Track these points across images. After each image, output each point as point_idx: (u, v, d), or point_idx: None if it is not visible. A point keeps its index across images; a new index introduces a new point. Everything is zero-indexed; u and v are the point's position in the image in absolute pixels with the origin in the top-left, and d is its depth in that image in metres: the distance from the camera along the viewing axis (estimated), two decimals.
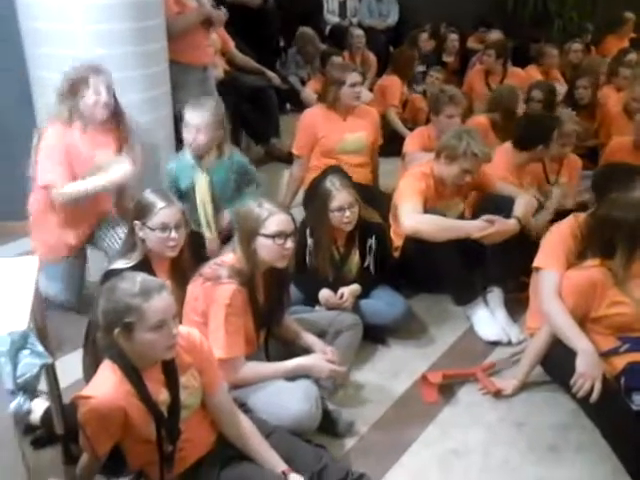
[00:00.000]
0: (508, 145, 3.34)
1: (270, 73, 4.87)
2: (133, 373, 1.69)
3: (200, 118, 2.79)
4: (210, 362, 1.87)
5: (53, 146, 2.57)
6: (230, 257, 2.18)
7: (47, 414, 2.07)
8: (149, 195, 2.31)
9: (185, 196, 2.84)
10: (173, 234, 2.26)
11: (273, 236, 2.11)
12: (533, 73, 5.25)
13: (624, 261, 2.20)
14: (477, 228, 2.81)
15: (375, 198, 3.29)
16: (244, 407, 2.02)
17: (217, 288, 2.09)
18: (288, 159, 3.65)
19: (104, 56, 2.71)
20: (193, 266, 2.34)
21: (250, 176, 3.06)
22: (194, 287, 2.17)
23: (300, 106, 4.97)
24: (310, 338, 2.38)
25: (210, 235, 2.87)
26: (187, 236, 2.34)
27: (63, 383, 2.16)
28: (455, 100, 3.54)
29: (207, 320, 2.13)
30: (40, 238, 2.77)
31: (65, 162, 2.57)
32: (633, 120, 3.83)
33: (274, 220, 2.12)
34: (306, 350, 2.34)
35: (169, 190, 2.77)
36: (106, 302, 1.66)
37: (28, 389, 1.54)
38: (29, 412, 1.45)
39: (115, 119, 2.69)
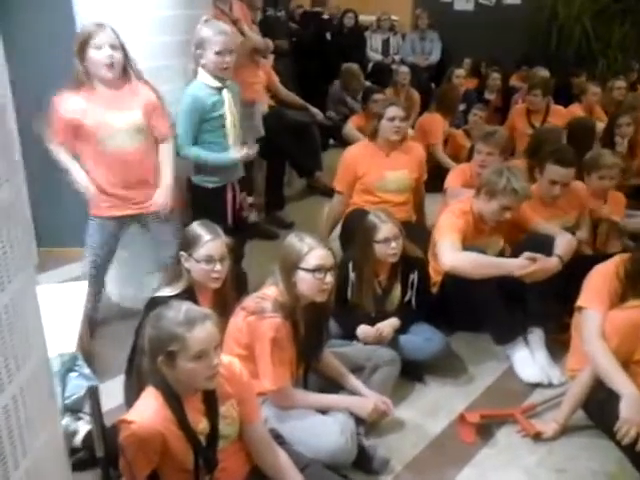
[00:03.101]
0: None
1: (314, 109, 4.97)
2: (175, 401, 1.72)
3: (229, 40, 2.81)
4: (249, 393, 1.90)
5: (60, 108, 2.59)
6: (272, 290, 2.22)
7: (89, 437, 2.12)
8: (196, 227, 2.38)
9: (208, 121, 2.86)
10: (218, 267, 2.32)
11: (313, 270, 2.14)
12: (576, 111, 5.22)
13: None
14: (518, 266, 2.79)
15: (417, 235, 3.29)
16: (280, 439, 2.03)
17: (262, 322, 2.13)
18: (330, 193, 3.69)
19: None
20: (235, 297, 2.40)
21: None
22: (237, 320, 2.21)
23: (343, 142, 5.07)
24: (355, 382, 2.38)
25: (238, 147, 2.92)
26: (230, 268, 2.39)
27: (106, 407, 2.21)
28: (486, 139, 3.54)
29: (250, 353, 2.17)
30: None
31: (63, 129, 2.60)
32: None
33: (314, 254, 2.15)
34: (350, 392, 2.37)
35: (193, 114, 2.81)
36: (152, 329, 1.71)
37: (75, 410, 1.58)
38: (75, 433, 1.48)
39: (130, 80, 2.64)
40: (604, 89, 5.51)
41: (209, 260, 2.30)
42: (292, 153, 4.45)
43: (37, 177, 3.55)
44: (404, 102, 5.82)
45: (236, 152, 2.91)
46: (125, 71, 2.63)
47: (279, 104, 4.68)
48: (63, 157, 2.68)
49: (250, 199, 3.76)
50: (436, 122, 5.14)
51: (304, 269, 2.15)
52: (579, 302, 2.42)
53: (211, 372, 1.70)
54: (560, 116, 5.05)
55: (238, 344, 2.19)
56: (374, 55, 7.21)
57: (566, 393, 2.43)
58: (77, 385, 1.58)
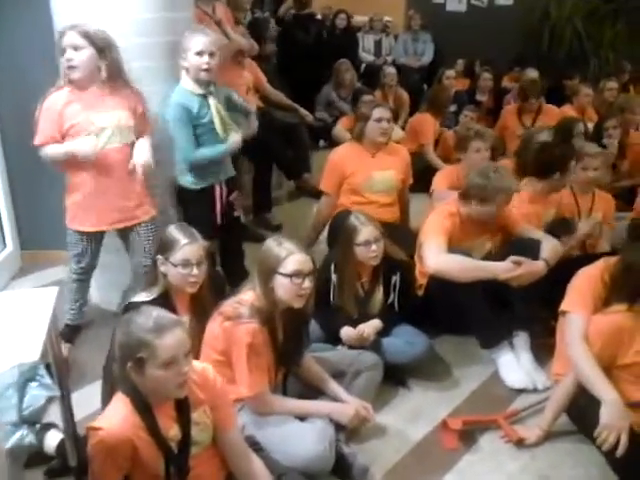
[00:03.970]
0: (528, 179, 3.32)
1: (303, 111, 4.93)
2: (144, 407, 1.68)
3: (211, 42, 2.78)
4: (223, 400, 1.86)
5: (44, 109, 2.54)
6: (249, 295, 2.18)
7: (62, 444, 2.09)
8: (173, 231, 2.34)
9: (199, 126, 2.85)
10: (195, 271, 2.28)
11: (290, 275, 2.10)
12: (568, 112, 5.18)
13: None
14: (503, 269, 2.76)
15: (402, 237, 3.27)
16: (257, 446, 2.00)
17: (238, 328, 2.09)
18: (319, 195, 3.67)
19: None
20: (213, 301, 2.36)
21: (235, 103, 3.13)
22: (213, 325, 2.17)
23: (333, 143, 5.03)
24: (336, 388, 2.35)
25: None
26: (207, 272, 2.36)
27: (83, 413, 2.18)
28: (481, 134, 3.55)
29: (227, 358, 2.14)
30: (65, 201, 2.74)
31: (54, 124, 2.54)
32: None
33: (292, 259, 2.12)
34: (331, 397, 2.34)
35: (186, 122, 2.80)
36: (122, 335, 1.68)
37: (33, 421, 1.54)
38: (31, 445, 1.44)
39: (112, 80, 2.58)
40: (596, 90, 5.49)
41: (186, 264, 2.27)
42: (280, 155, 4.40)
43: (19, 179, 3.52)
44: (393, 103, 5.85)
45: (234, 137, 2.93)
46: (101, 72, 2.56)
47: (267, 105, 4.65)
48: (52, 148, 2.58)
49: (240, 199, 3.73)
50: (427, 122, 5.11)
51: (282, 274, 2.12)
52: (563, 306, 2.39)
53: (181, 379, 1.66)
54: (552, 116, 5.02)
55: (215, 350, 2.15)
56: (366, 56, 7.17)
57: (550, 398, 2.40)
58: (36, 396, 1.54)
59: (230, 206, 3.10)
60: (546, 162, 3.24)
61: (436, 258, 2.79)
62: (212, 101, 2.85)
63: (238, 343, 2.08)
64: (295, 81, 5.72)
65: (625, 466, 2.04)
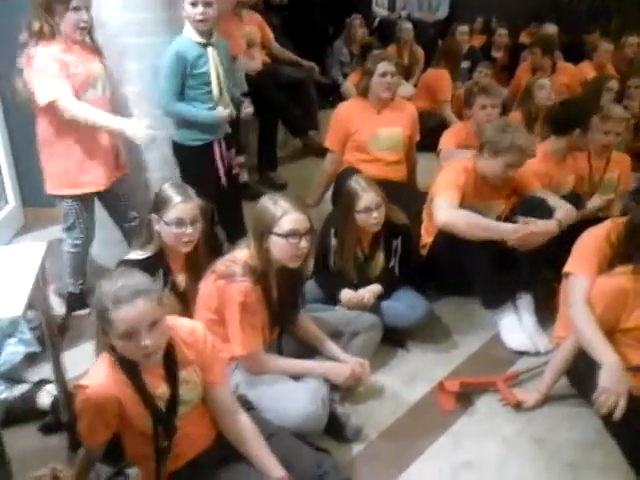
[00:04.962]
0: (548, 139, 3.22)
1: (307, 64, 4.80)
2: (129, 365, 1.66)
3: None
4: (213, 359, 1.83)
5: (47, 62, 2.45)
6: (244, 253, 2.14)
7: (56, 401, 2.10)
8: (167, 189, 2.30)
9: (192, 77, 2.76)
10: (189, 230, 2.24)
11: (286, 235, 2.05)
12: (585, 69, 5.00)
13: None
14: (514, 229, 2.68)
15: (409, 197, 3.21)
16: (248, 405, 1.98)
17: (231, 286, 2.06)
18: (325, 153, 3.59)
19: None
20: (208, 260, 2.32)
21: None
22: (207, 284, 2.14)
23: (341, 100, 4.92)
24: (333, 348, 2.32)
25: (224, 105, 2.85)
26: (202, 231, 2.32)
27: (78, 371, 2.18)
28: (486, 90, 3.41)
29: (220, 317, 2.11)
30: (50, 169, 2.68)
31: (62, 73, 2.46)
32: None
33: (288, 219, 2.06)
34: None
35: (176, 69, 2.71)
36: (94, 297, 1.64)
37: (10, 377, 1.53)
38: (6, 400, 1.42)
39: (91, 37, 2.61)
40: (617, 46, 5.27)
41: (179, 223, 2.23)
42: (286, 111, 4.31)
43: (20, 136, 3.48)
44: (408, 59, 5.69)
45: (222, 111, 2.82)
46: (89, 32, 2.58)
47: (274, 61, 4.54)
48: (86, 112, 2.48)
49: (240, 158, 3.66)
50: (444, 78, 4.95)
51: (277, 234, 2.07)
52: (567, 267, 2.32)
53: (142, 352, 1.61)
54: (568, 74, 4.85)
55: (208, 308, 2.13)
56: (380, 10, 6.96)
57: (550, 361, 2.36)
58: (13, 352, 1.52)
59: (230, 165, 3.03)
60: (564, 118, 3.13)
61: (446, 212, 2.72)
62: (212, 53, 2.76)
63: (231, 302, 2.06)
64: (306, 35, 5.58)
65: (622, 430, 2.00)
